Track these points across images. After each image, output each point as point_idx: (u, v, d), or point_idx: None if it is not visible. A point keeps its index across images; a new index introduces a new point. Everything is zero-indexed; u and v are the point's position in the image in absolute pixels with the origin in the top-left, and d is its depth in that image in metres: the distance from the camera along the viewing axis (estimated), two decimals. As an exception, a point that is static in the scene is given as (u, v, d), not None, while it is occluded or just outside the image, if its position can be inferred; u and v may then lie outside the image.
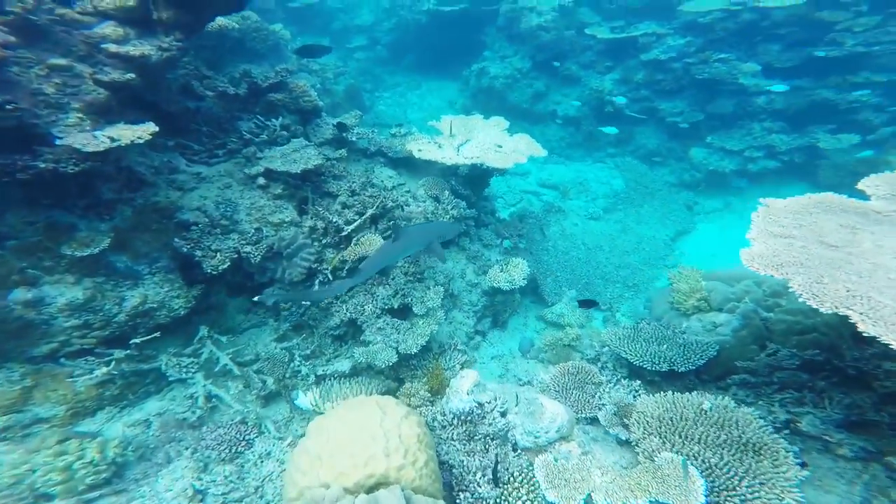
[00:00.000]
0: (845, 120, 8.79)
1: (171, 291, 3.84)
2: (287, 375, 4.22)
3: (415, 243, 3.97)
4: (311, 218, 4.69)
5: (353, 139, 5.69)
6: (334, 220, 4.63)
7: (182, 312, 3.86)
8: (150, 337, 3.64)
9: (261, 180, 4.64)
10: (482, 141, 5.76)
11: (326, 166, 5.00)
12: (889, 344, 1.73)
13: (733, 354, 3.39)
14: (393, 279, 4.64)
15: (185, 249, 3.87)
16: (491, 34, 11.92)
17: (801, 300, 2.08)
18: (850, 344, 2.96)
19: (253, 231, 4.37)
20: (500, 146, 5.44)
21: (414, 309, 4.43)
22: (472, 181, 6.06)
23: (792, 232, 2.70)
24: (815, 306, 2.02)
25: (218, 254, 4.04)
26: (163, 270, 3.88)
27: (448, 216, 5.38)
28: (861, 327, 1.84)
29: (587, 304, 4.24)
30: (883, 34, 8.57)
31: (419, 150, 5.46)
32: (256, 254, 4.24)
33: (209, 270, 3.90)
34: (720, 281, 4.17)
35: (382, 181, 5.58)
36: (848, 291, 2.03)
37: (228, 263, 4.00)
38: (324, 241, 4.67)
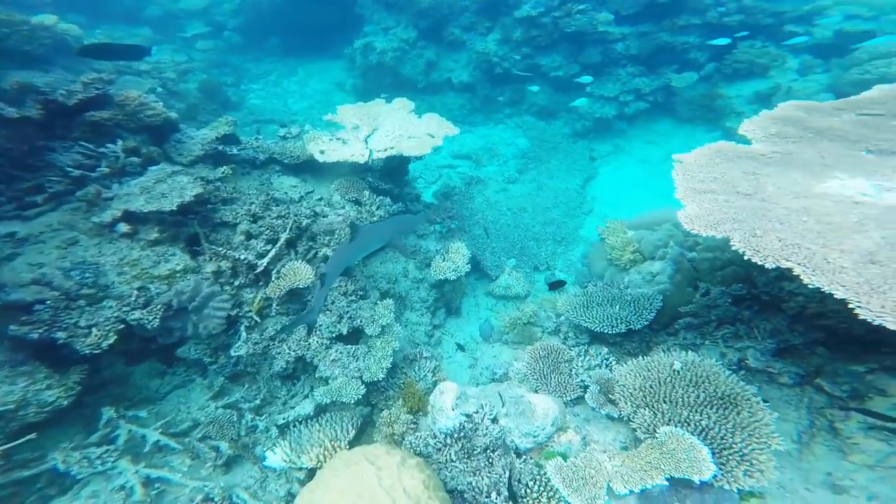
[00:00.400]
0: (684, 60, 10.05)
1: (35, 384, 3.03)
2: (242, 434, 3.67)
3: (374, 241, 3.76)
4: (210, 259, 3.85)
5: (235, 152, 4.74)
6: (241, 256, 3.86)
7: (64, 403, 3.10)
8: (17, 442, 2.87)
9: (123, 227, 3.62)
10: (391, 128, 5.24)
11: (210, 191, 4.09)
12: (833, 293, 1.97)
13: (675, 301, 3.71)
14: (333, 303, 4.13)
15: (34, 336, 3.00)
16: (367, 5, 10.82)
17: (746, 257, 2.28)
18: (758, 271, 3.41)
19: (136, 292, 3.47)
20: (432, 135, 5.03)
21: (366, 331, 4.03)
22: (390, 172, 5.58)
23: (711, 186, 2.94)
24: (760, 262, 2.23)
25: (94, 329, 3.18)
26: (5, 365, 3.00)
27: (375, 217, 4.90)
28: (805, 280, 2.07)
29: (556, 285, 4.34)
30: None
31: (322, 153, 4.76)
32: (151, 318, 3.43)
33: (87, 352, 3.12)
34: (644, 228, 4.55)
35: (286, 193, 4.79)
36: (780, 241, 2.27)
37: (115, 337, 3.22)
38: (237, 283, 3.90)
